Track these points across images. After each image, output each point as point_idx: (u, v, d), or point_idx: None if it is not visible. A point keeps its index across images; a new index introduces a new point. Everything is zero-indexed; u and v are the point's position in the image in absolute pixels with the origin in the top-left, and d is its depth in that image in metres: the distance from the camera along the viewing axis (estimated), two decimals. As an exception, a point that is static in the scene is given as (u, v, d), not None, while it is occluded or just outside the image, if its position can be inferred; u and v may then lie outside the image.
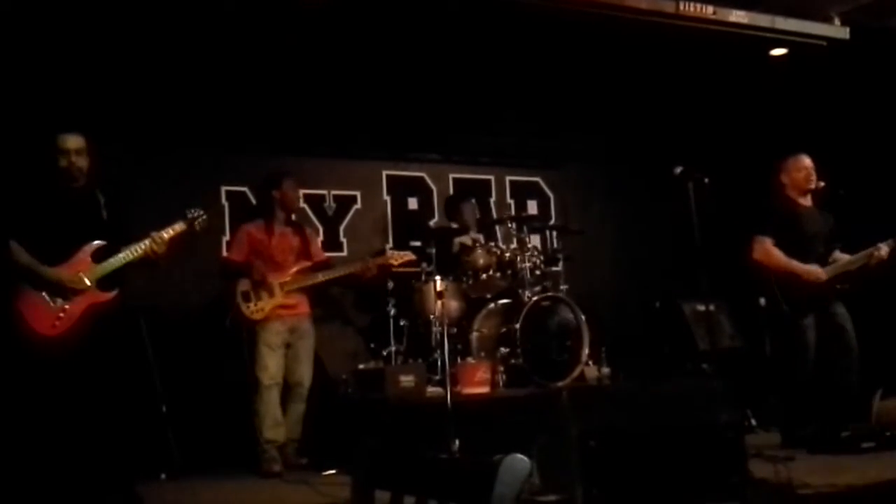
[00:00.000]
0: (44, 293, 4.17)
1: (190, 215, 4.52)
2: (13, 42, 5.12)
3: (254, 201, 6.15)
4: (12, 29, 5.03)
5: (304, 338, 5.41)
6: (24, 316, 4.12)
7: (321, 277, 5.47)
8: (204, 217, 4.57)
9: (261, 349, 5.24)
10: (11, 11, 4.88)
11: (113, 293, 4.28)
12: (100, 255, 4.29)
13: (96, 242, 4.29)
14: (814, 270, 5.16)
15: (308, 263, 5.50)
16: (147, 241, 4.34)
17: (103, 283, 4.27)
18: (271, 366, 5.23)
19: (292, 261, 5.45)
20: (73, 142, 4.32)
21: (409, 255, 5.80)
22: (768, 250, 5.20)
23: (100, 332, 4.17)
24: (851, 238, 5.40)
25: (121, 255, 4.30)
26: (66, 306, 4.18)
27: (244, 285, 5.29)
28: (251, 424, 5.21)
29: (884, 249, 5.19)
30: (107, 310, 4.25)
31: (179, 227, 4.46)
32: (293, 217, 5.68)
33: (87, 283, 4.22)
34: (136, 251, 4.33)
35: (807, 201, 5.38)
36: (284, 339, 5.33)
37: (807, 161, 5.36)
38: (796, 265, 5.16)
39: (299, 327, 5.40)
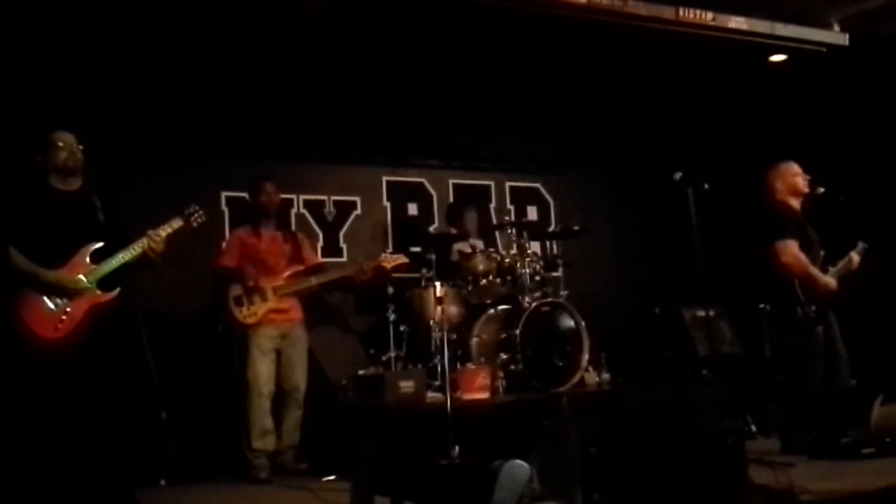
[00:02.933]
0: (44, 297, 4.16)
1: (187, 211, 4.50)
2: (11, 44, 5.12)
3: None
4: (11, 31, 5.03)
5: (296, 343, 5.40)
6: (25, 320, 4.11)
7: (314, 281, 5.47)
8: (201, 213, 4.55)
9: (252, 353, 5.24)
10: (11, 13, 4.89)
11: (114, 293, 4.27)
12: (98, 257, 4.28)
13: (94, 244, 4.28)
14: (829, 280, 5.17)
15: (301, 267, 5.49)
16: (144, 240, 4.33)
17: (103, 284, 4.26)
18: (262, 370, 5.23)
19: (284, 265, 5.45)
20: (70, 137, 4.34)
21: (401, 259, 5.78)
22: (797, 254, 5.13)
23: (103, 333, 4.17)
24: (851, 241, 5.40)
25: (119, 256, 4.29)
26: (68, 309, 4.17)
27: (236, 290, 5.29)
28: (239, 431, 5.21)
29: (855, 258, 5.28)
30: (109, 310, 4.24)
31: (176, 223, 4.45)
32: (292, 223, 5.67)
33: (88, 284, 4.22)
34: (134, 250, 4.32)
35: (797, 206, 5.38)
36: (275, 344, 5.32)
37: (797, 166, 5.37)
38: (817, 273, 5.16)
39: (291, 333, 5.39)
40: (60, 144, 4.31)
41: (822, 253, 5.29)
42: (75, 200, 4.33)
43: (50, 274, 4.16)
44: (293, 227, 6.11)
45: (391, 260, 5.74)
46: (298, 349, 5.42)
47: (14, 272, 4.12)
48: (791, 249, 5.15)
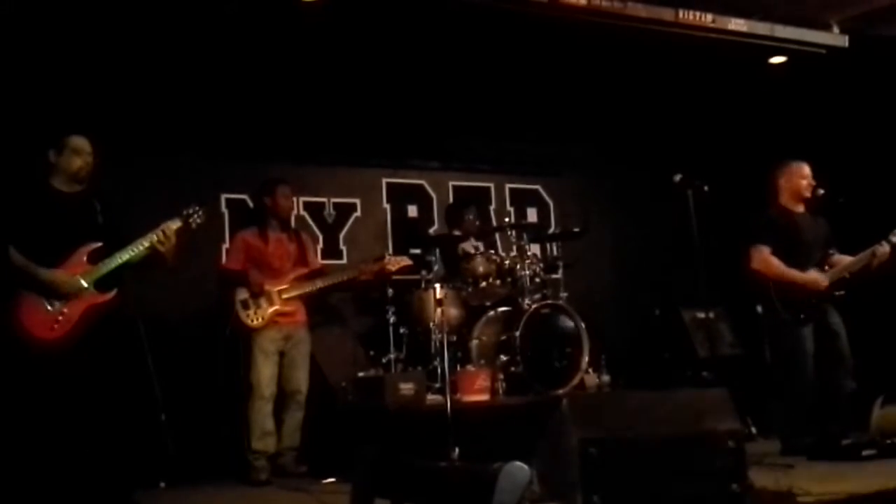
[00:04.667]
0: (41, 297, 4.14)
1: (185, 212, 4.48)
2: (13, 46, 5.12)
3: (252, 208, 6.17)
4: (12, 32, 5.03)
5: (299, 345, 5.40)
6: (21, 320, 4.09)
7: (320, 284, 5.47)
8: (200, 213, 4.52)
9: (256, 356, 5.24)
10: (12, 15, 4.88)
11: (111, 294, 4.25)
12: (96, 257, 4.26)
13: (92, 244, 4.27)
14: (815, 278, 5.15)
15: (305, 270, 5.49)
16: (153, 234, 4.30)
17: (101, 285, 4.25)
18: (266, 373, 5.23)
19: (290, 267, 5.45)
20: (87, 143, 4.33)
21: (405, 261, 5.78)
22: (766, 259, 5.19)
23: (99, 334, 4.15)
24: (851, 245, 5.39)
25: (118, 255, 4.27)
26: (65, 309, 4.15)
27: (242, 294, 5.28)
28: (239, 432, 5.21)
29: (885, 247, 5.17)
30: (106, 311, 4.22)
31: (174, 224, 4.42)
32: (292, 223, 5.67)
33: (84, 284, 4.20)
34: (141, 246, 4.30)
35: (800, 208, 5.38)
36: (279, 346, 5.32)
37: (807, 169, 5.35)
38: (795, 274, 5.15)
39: (294, 335, 5.39)
40: (79, 151, 4.29)
41: (834, 253, 5.27)
42: (75, 202, 4.32)
43: (45, 273, 4.13)
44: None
45: (395, 262, 5.73)
46: (301, 351, 5.42)
47: (11, 271, 4.11)
48: (760, 255, 5.17)
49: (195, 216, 4.51)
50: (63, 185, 4.33)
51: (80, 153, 4.30)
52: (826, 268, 5.24)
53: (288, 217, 5.64)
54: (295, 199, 6.32)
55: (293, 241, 5.55)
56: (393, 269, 5.71)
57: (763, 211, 5.38)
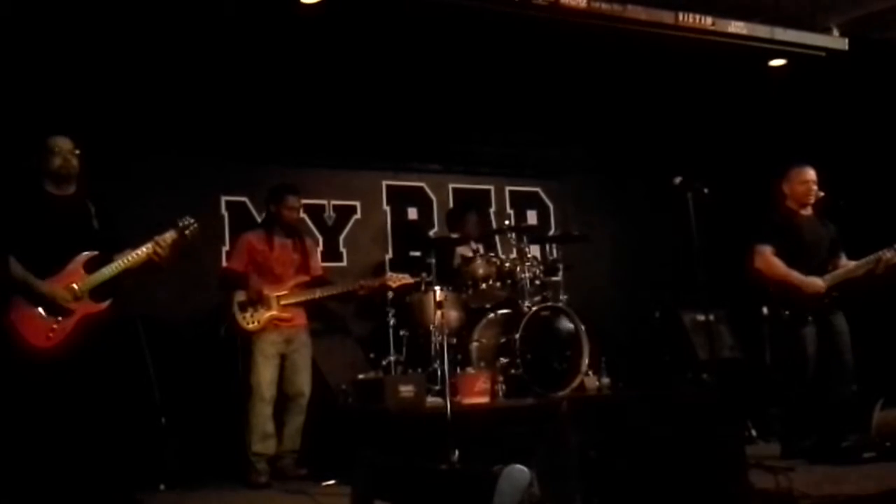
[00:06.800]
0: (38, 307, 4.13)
1: (181, 224, 4.46)
2: (8, 47, 5.11)
3: (254, 211, 6.16)
4: (7, 33, 5.02)
5: (300, 349, 5.39)
6: (17, 328, 4.07)
7: (319, 293, 5.46)
8: (195, 226, 4.50)
9: (256, 358, 5.23)
10: (7, 15, 4.88)
11: (106, 304, 4.23)
12: (92, 266, 4.24)
13: (89, 252, 4.24)
14: (812, 282, 5.14)
15: (306, 278, 5.47)
16: (150, 245, 4.30)
17: (96, 293, 4.23)
18: (266, 375, 5.22)
19: (291, 274, 5.43)
20: (66, 142, 4.30)
21: (406, 279, 5.75)
22: (768, 259, 5.19)
23: (94, 343, 4.13)
24: (851, 248, 5.39)
25: (114, 265, 4.26)
26: (60, 318, 4.13)
27: (241, 296, 5.28)
28: (240, 435, 5.20)
29: (891, 253, 5.13)
30: (101, 320, 4.20)
31: (170, 236, 4.40)
32: (294, 228, 5.66)
33: (80, 294, 4.18)
34: (137, 256, 4.30)
35: (806, 211, 5.37)
36: (279, 349, 5.31)
37: (810, 174, 5.32)
38: (794, 276, 5.14)
39: (295, 338, 5.38)
40: (55, 150, 4.26)
41: (841, 256, 5.27)
42: (69, 206, 4.29)
43: (44, 286, 4.11)
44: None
45: (396, 279, 5.71)
46: (303, 354, 5.41)
47: (10, 281, 4.09)
48: (763, 255, 5.18)
49: (191, 227, 4.49)
50: (53, 187, 4.29)
51: (56, 152, 4.26)
52: (830, 268, 5.24)
53: (291, 226, 5.61)
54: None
55: (297, 250, 5.52)
56: (393, 285, 5.69)
57: (769, 212, 5.38)
